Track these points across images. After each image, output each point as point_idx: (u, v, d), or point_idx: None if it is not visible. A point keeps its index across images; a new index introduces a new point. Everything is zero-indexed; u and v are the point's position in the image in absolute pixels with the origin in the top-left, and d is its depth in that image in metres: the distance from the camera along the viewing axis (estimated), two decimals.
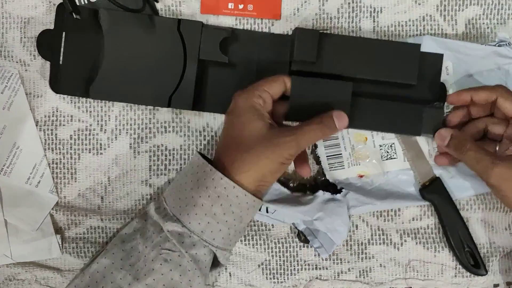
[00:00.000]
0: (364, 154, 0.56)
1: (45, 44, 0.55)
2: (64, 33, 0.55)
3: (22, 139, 0.55)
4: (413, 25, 0.58)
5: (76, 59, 0.55)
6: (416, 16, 0.58)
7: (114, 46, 0.54)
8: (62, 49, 0.55)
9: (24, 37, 0.57)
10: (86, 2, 0.55)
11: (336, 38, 0.53)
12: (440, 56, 0.55)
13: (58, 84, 0.55)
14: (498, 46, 0.55)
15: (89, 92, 0.54)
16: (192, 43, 0.54)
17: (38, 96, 0.56)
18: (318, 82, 0.51)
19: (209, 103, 0.56)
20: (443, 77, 0.56)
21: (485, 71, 0.56)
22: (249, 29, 0.57)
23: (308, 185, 0.57)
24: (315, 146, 0.56)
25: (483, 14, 0.58)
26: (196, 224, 0.45)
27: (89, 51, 0.55)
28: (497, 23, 0.58)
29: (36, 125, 0.56)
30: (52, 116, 0.56)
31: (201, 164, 0.47)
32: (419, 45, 0.53)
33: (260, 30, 0.57)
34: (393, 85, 0.54)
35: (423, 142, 0.56)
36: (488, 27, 0.58)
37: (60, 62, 0.55)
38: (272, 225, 0.57)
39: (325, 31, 0.55)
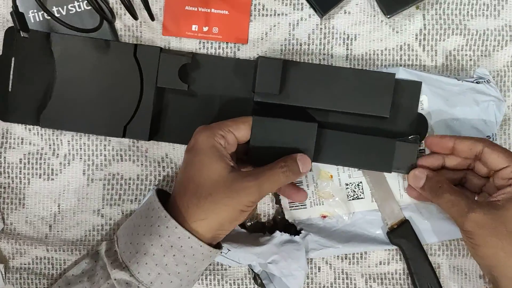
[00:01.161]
0: (329, 193, 0.53)
1: None
2: (13, 58, 0.52)
3: None
4: (389, 55, 0.54)
5: (26, 86, 0.52)
6: (393, 45, 0.54)
7: (66, 72, 0.52)
8: (11, 76, 0.52)
9: None
10: (41, 18, 0.53)
11: (303, 66, 0.50)
12: (418, 84, 0.52)
13: (6, 112, 0.53)
14: (476, 82, 0.52)
15: (39, 121, 0.52)
16: (149, 69, 0.51)
17: None
18: (281, 123, 0.48)
19: (168, 133, 0.53)
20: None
21: (463, 107, 0.52)
22: (213, 53, 0.54)
23: (266, 224, 0.54)
24: None
25: (466, 45, 0.54)
26: (146, 275, 0.43)
27: (40, 77, 0.52)
28: (481, 55, 0.55)
29: None
30: (2, 138, 0.54)
31: (156, 208, 0.44)
32: (393, 74, 0.50)
33: (225, 54, 0.54)
34: (364, 116, 0.51)
35: (393, 181, 0.53)
36: (471, 59, 0.55)
37: (9, 89, 0.52)
38: (229, 265, 0.54)
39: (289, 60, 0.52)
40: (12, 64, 0.52)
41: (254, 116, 0.48)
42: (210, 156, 0.44)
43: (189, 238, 0.43)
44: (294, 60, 0.54)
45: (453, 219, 0.47)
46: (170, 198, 0.46)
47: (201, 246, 0.43)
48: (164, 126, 0.53)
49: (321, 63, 0.54)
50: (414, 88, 0.52)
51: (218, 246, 0.47)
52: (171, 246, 0.43)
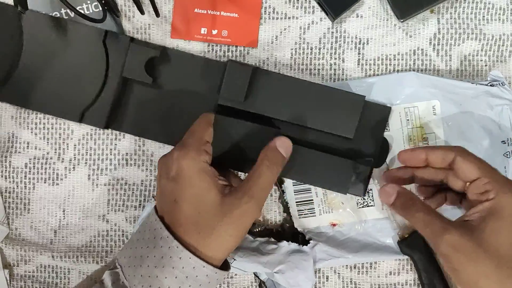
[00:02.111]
0: (338, 201, 0.52)
1: None
2: None
3: None
4: (402, 59, 0.54)
5: None
6: (406, 49, 0.54)
7: (33, 50, 0.51)
8: None
9: None
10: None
11: (273, 76, 0.50)
12: (388, 109, 0.51)
13: None
14: (490, 85, 0.51)
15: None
16: (116, 58, 0.51)
17: None
18: (243, 124, 0.48)
19: (126, 124, 0.52)
20: (430, 117, 0.52)
21: (476, 112, 0.52)
22: (222, 56, 0.54)
23: (274, 231, 0.53)
24: (283, 191, 0.53)
25: (482, 50, 0.54)
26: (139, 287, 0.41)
27: (5, 52, 0.52)
28: (497, 60, 0.54)
29: None
30: (8, 142, 0.54)
31: (165, 236, 0.41)
32: (363, 97, 0.49)
33: (234, 58, 0.54)
34: (328, 134, 0.50)
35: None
36: (486, 64, 0.54)
37: None
38: (235, 273, 0.53)
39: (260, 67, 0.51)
40: None
41: (216, 114, 0.48)
42: (202, 185, 0.42)
43: (204, 267, 0.41)
44: (303, 65, 0.53)
45: (428, 241, 0.44)
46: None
47: (216, 273, 0.41)
48: (124, 116, 0.52)
49: (295, 76, 0.52)
50: (383, 112, 0.51)
51: (226, 264, 0.45)
52: (186, 277, 0.41)
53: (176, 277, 0.40)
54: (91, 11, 0.53)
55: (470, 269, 0.40)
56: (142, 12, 0.50)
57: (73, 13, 0.51)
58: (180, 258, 0.41)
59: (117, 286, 0.42)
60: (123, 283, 0.42)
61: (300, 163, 0.50)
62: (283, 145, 0.45)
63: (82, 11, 0.53)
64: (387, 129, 0.52)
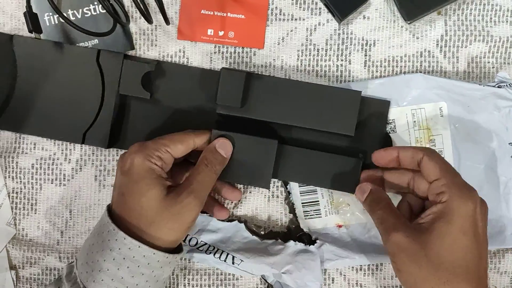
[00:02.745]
0: (344, 202, 0.53)
1: None
2: None
3: None
4: (409, 61, 0.54)
5: None
6: (413, 51, 0.54)
7: (28, 75, 0.52)
8: None
9: None
10: (56, 22, 0.53)
11: (267, 80, 0.50)
12: (387, 103, 0.51)
13: None
14: (498, 87, 0.51)
15: None
16: (111, 76, 0.51)
17: None
18: (240, 138, 0.49)
19: (129, 142, 0.53)
20: (437, 119, 0.52)
21: (483, 114, 0.52)
22: (228, 58, 0.54)
23: (280, 233, 0.54)
24: (289, 192, 0.53)
25: (489, 52, 0.54)
26: None
27: (1, 79, 0.52)
28: (504, 62, 0.54)
29: None
30: (14, 143, 0.55)
31: (106, 222, 0.44)
32: (359, 92, 0.49)
33: (240, 59, 0.54)
34: (329, 133, 0.51)
35: None
36: (493, 66, 0.54)
37: None
38: (241, 275, 0.54)
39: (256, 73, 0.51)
40: None
41: (213, 129, 0.49)
42: (147, 181, 0.43)
43: (139, 247, 0.42)
44: (309, 66, 0.53)
45: (381, 240, 0.44)
46: (117, 211, 0.45)
47: (154, 254, 0.43)
48: (126, 134, 0.53)
49: (288, 78, 0.53)
50: (382, 107, 0.51)
51: (178, 249, 0.46)
52: (124, 258, 0.42)
53: (114, 259, 0.42)
54: (98, 12, 0.53)
55: (411, 270, 0.41)
56: (150, 22, 0.51)
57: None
58: (116, 240, 0.43)
59: (69, 278, 0.45)
60: (74, 274, 0.45)
61: (304, 165, 0.50)
62: (222, 146, 0.48)
63: (90, 13, 0.53)
64: (393, 130, 0.52)
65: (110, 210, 0.45)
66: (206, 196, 0.46)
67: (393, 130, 0.52)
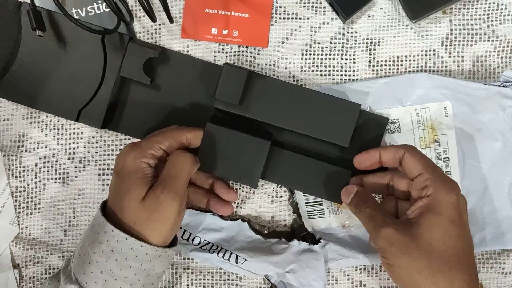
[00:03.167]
0: None
1: None
2: None
3: None
4: (414, 60, 0.54)
5: None
6: (417, 50, 0.54)
7: (31, 46, 0.52)
8: None
9: None
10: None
11: (268, 81, 0.50)
12: (385, 120, 0.51)
13: None
14: (503, 86, 0.51)
15: None
16: (114, 57, 0.51)
17: (4, 120, 0.55)
18: (234, 134, 0.49)
19: (123, 125, 0.53)
20: (442, 119, 0.52)
21: (488, 113, 0.52)
22: (232, 57, 0.54)
23: (284, 233, 0.54)
24: (292, 192, 0.53)
25: (494, 51, 0.54)
26: (93, 283, 0.43)
27: (2, 47, 0.52)
28: (509, 62, 0.54)
29: (1, 150, 0.54)
30: (18, 142, 0.55)
31: (98, 215, 0.44)
32: (359, 105, 0.49)
33: (244, 58, 0.54)
34: (323, 142, 0.51)
35: None
36: (498, 66, 0.54)
37: None
38: (244, 275, 0.54)
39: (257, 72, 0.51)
40: None
41: (208, 123, 0.49)
42: (133, 180, 0.44)
43: (126, 239, 0.43)
44: (313, 65, 0.54)
45: (370, 237, 0.46)
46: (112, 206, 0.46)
47: (141, 246, 0.43)
48: (121, 117, 0.53)
49: (292, 80, 0.53)
50: (380, 123, 0.51)
51: (172, 243, 0.46)
52: (112, 251, 0.43)
53: (102, 251, 0.43)
54: (101, 10, 0.53)
55: (403, 263, 0.42)
56: (154, 21, 0.51)
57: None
58: (105, 232, 0.43)
59: (65, 271, 0.45)
60: (69, 267, 0.45)
61: (294, 170, 0.51)
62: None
63: (93, 11, 0.53)
64: (398, 130, 0.52)
65: (104, 204, 0.46)
66: (183, 189, 0.45)
67: (398, 130, 0.52)
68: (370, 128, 0.51)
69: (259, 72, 0.52)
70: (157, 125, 0.52)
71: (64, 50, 0.52)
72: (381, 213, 0.45)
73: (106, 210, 0.45)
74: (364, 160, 0.49)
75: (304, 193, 0.52)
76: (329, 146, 0.51)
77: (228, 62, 0.53)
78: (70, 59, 0.52)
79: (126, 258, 0.43)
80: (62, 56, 0.52)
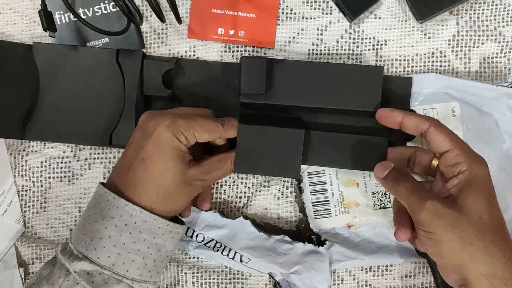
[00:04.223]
0: (354, 201, 0.53)
1: None
2: None
3: None
4: (420, 61, 0.54)
5: (10, 99, 0.53)
6: (424, 51, 0.54)
7: (50, 82, 0.53)
8: None
9: None
10: (67, 20, 0.54)
11: (288, 64, 0.50)
12: (409, 80, 0.52)
13: None
14: (511, 87, 0.52)
15: (24, 134, 0.53)
16: (131, 74, 0.52)
17: None
18: (267, 130, 0.49)
19: None
20: (449, 119, 0.53)
21: (496, 114, 0.52)
22: (238, 57, 0.55)
23: (290, 231, 0.54)
24: (300, 191, 0.53)
25: (501, 52, 0.54)
26: (106, 258, 0.43)
27: (24, 89, 0.53)
28: None
29: (7, 150, 0.55)
30: (24, 141, 0.55)
31: (103, 193, 0.45)
32: (381, 67, 0.50)
33: None
34: (355, 114, 0.51)
35: None
36: (505, 67, 0.55)
37: None
38: (249, 273, 0.54)
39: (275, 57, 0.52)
40: None
41: (239, 124, 0.49)
42: (174, 159, 0.45)
43: (141, 213, 0.44)
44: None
45: (409, 211, 0.44)
46: (118, 183, 0.46)
47: (155, 219, 0.44)
48: None
49: (309, 60, 0.54)
50: (405, 83, 0.52)
51: (179, 222, 0.48)
52: (126, 225, 0.44)
53: (115, 226, 0.44)
54: (109, 10, 0.54)
55: (455, 236, 0.41)
56: (163, 21, 0.51)
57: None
58: (117, 207, 0.44)
59: (64, 252, 0.45)
60: (70, 248, 0.45)
61: (331, 149, 0.51)
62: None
63: (100, 11, 0.54)
64: None
65: (103, 184, 0.46)
66: (212, 177, 0.48)
67: None
68: (397, 90, 0.52)
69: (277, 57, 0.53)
70: None
71: (82, 79, 0.53)
72: (424, 188, 0.45)
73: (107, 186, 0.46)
74: (386, 116, 0.49)
75: (346, 169, 0.52)
76: (360, 117, 0.51)
77: (245, 55, 0.53)
78: (90, 86, 0.53)
79: (140, 232, 0.44)
80: (82, 85, 0.53)
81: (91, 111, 0.52)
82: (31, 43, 0.53)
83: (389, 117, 0.48)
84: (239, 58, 0.54)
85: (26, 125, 0.52)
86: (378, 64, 0.54)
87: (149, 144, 0.45)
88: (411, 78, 0.52)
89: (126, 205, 0.44)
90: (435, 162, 0.47)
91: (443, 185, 0.45)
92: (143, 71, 0.52)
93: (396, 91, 0.52)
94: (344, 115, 0.51)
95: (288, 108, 0.51)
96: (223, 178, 0.55)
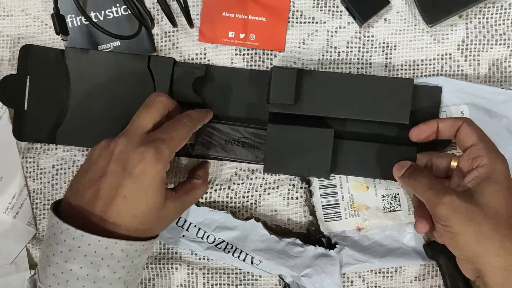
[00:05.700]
0: (364, 204, 0.54)
1: (8, 90, 0.54)
2: (28, 77, 0.54)
3: (3, 166, 0.55)
4: (430, 64, 0.55)
5: (42, 104, 0.54)
6: (433, 54, 0.55)
7: (81, 87, 0.53)
8: (26, 95, 0.54)
9: (13, 57, 0.56)
10: (79, 24, 0.55)
11: (318, 75, 0.51)
12: (439, 89, 0.53)
13: (22, 131, 0.54)
14: None
15: (55, 138, 0.54)
16: (162, 80, 0.53)
17: None
18: (296, 130, 0.50)
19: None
20: None
21: (505, 118, 0.53)
22: (249, 60, 0.56)
23: (300, 234, 0.55)
24: (311, 194, 0.54)
25: (510, 55, 0.55)
26: (56, 286, 0.42)
27: (55, 94, 0.54)
28: None
29: (19, 152, 0.56)
30: (36, 144, 0.56)
31: (50, 216, 0.43)
32: (411, 80, 0.51)
33: (261, 62, 0.56)
34: (383, 124, 0.52)
35: None
36: None
37: (25, 108, 0.54)
38: (260, 275, 0.55)
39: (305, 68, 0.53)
40: (28, 83, 0.54)
41: (269, 124, 0.50)
42: (157, 195, 0.44)
43: (82, 236, 0.41)
44: (330, 69, 0.55)
45: (427, 205, 0.46)
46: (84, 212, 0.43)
47: (99, 241, 0.41)
48: None
49: (339, 72, 0.55)
50: (435, 93, 0.53)
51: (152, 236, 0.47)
52: (69, 250, 0.41)
53: (61, 252, 0.42)
54: (120, 14, 0.55)
55: (470, 230, 0.43)
56: (174, 25, 0.52)
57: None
58: (61, 232, 0.42)
59: (30, 280, 0.44)
60: (35, 272, 0.45)
61: (360, 158, 0.52)
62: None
63: (112, 15, 0.55)
64: None
65: (57, 203, 0.45)
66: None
67: None
68: (426, 100, 0.53)
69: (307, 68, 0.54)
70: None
71: (113, 85, 0.53)
72: (441, 183, 0.46)
73: (59, 209, 0.44)
74: (423, 130, 0.50)
75: (375, 178, 0.53)
76: (389, 127, 0.52)
77: (276, 65, 0.54)
78: (121, 92, 0.53)
79: (85, 256, 0.42)
80: (113, 90, 0.53)
81: (121, 117, 0.52)
82: (47, 46, 0.54)
83: (425, 130, 0.50)
84: (252, 61, 0.55)
85: (58, 129, 0.53)
86: (387, 68, 0.55)
87: (130, 183, 0.43)
88: (441, 88, 0.53)
89: (67, 229, 0.41)
90: (454, 163, 0.49)
91: (460, 181, 0.47)
92: (173, 77, 0.53)
93: (425, 101, 0.53)
94: (372, 126, 0.53)
95: (317, 119, 0.52)
96: (231, 179, 0.56)
